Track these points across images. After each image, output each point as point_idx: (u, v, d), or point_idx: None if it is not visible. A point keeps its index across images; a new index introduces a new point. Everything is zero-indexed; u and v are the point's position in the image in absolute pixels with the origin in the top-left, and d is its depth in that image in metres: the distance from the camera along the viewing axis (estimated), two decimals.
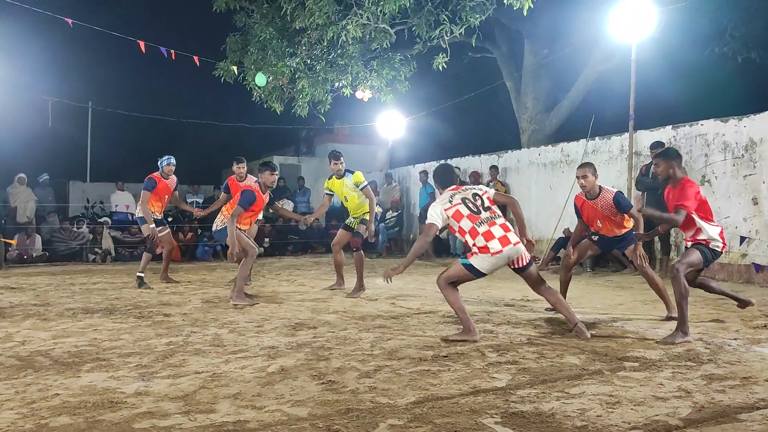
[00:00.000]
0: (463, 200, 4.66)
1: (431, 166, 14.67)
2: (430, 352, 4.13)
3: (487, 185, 12.33)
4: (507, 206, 5.00)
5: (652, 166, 4.94)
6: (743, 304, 5.26)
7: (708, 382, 3.42)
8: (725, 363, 3.82)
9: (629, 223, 5.57)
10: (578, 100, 13.15)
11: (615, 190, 5.58)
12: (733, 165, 8.35)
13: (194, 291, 7.62)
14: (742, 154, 8.25)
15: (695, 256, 4.68)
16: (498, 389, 3.29)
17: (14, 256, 11.56)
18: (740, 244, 8.05)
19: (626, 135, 9.61)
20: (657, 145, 8.76)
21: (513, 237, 4.59)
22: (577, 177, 5.61)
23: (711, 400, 3.10)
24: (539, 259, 10.92)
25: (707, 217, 4.74)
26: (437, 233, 5.04)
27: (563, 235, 10.38)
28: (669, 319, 5.33)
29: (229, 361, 3.93)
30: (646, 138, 9.42)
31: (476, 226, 4.56)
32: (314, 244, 14.52)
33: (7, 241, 11.30)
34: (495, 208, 4.71)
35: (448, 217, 4.68)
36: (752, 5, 11.58)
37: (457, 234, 4.73)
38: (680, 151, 8.96)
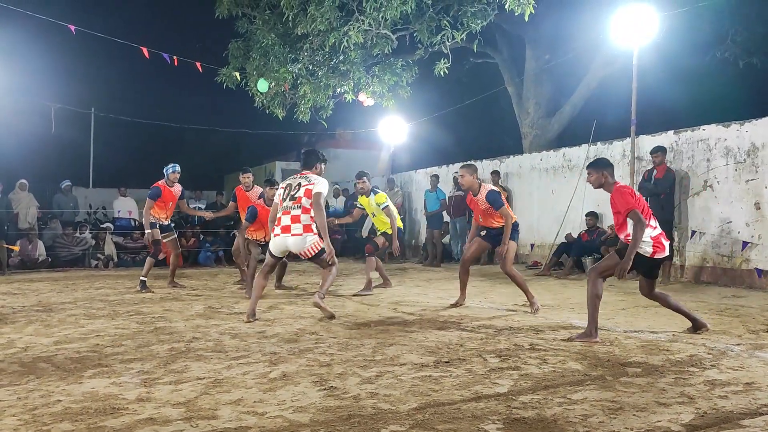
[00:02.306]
0: (287, 185, 5.19)
1: (439, 170, 14.65)
2: (431, 358, 4.12)
3: None
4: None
5: (587, 175, 5.07)
6: (698, 327, 4.96)
7: (710, 387, 3.41)
8: (728, 369, 3.82)
9: (502, 221, 6.19)
10: (580, 105, 13.15)
11: (489, 188, 6.24)
12: (735, 170, 8.35)
13: (196, 297, 7.62)
14: (744, 159, 8.25)
15: (611, 260, 4.81)
16: (500, 395, 3.29)
17: (17, 262, 11.58)
18: (742, 250, 8.04)
19: (628, 140, 9.61)
20: (658, 149, 8.78)
21: (296, 229, 5.04)
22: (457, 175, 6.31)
23: (713, 406, 3.09)
24: (541, 264, 10.91)
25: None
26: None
27: (565, 241, 10.38)
28: (528, 304, 6.18)
29: (231, 367, 3.93)
30: (647, 143, 9.42)
31: (276, 211, 5.13)
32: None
33: (10, 246, 11.32)
34: (304, 201, 5.16)
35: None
36: (753, 10, 11.60)
37: None
38: (682, 156, 9.08)
